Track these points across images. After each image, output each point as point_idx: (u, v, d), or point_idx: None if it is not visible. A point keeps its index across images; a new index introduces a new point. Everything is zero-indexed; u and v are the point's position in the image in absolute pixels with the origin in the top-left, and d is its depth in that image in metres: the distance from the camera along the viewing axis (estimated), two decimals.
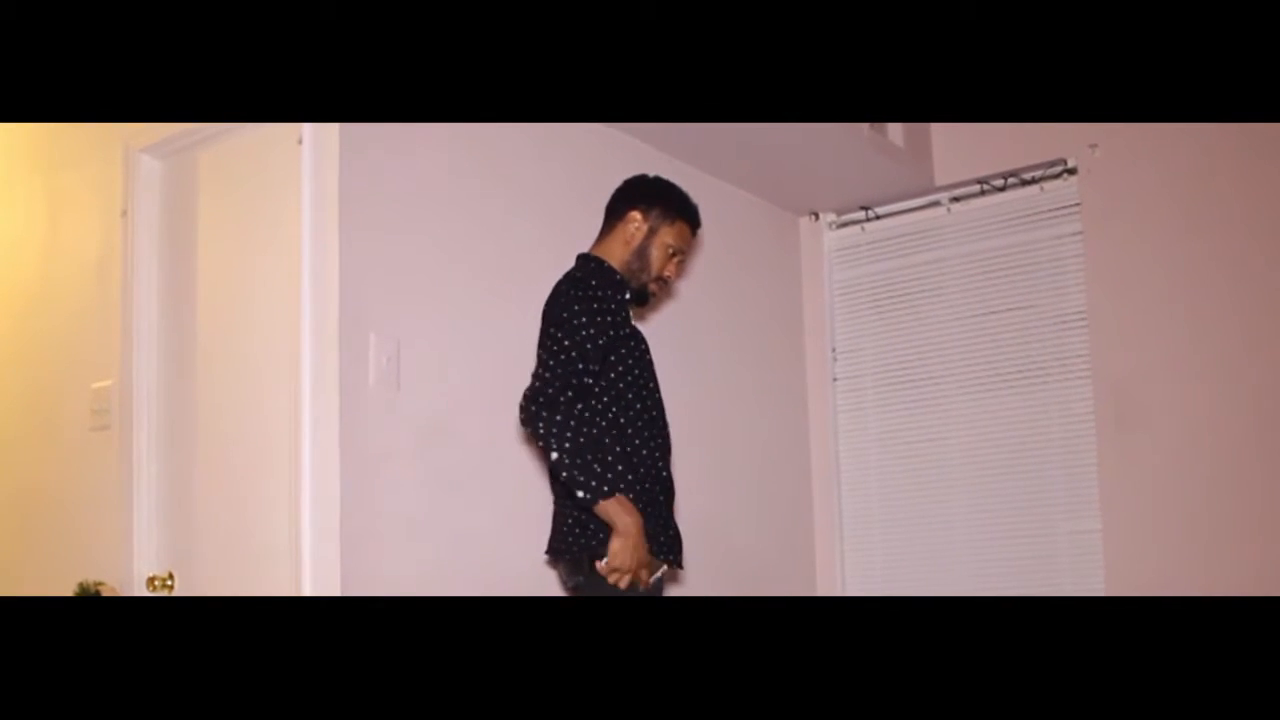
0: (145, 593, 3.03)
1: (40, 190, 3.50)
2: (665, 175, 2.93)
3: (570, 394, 2.55)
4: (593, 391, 2.62)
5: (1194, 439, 3.70)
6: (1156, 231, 3.82)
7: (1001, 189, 4.16)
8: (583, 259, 2.82)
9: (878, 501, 4.34)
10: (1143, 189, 3.85)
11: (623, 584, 2.58)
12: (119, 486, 3.10)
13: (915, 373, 4.29)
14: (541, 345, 2.66)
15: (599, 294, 2.68)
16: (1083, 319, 3.95)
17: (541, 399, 2.55)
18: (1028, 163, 4.06)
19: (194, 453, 3.05)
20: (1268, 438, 3.60)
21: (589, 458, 2.53)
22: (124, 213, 3.19)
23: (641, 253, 2.80)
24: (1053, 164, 4.04)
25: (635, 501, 2.59)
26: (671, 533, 2.73)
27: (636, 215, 2.81)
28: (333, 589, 2.70)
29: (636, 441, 2.68)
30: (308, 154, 2.85)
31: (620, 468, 2.60)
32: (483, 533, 3.05)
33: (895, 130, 4.06)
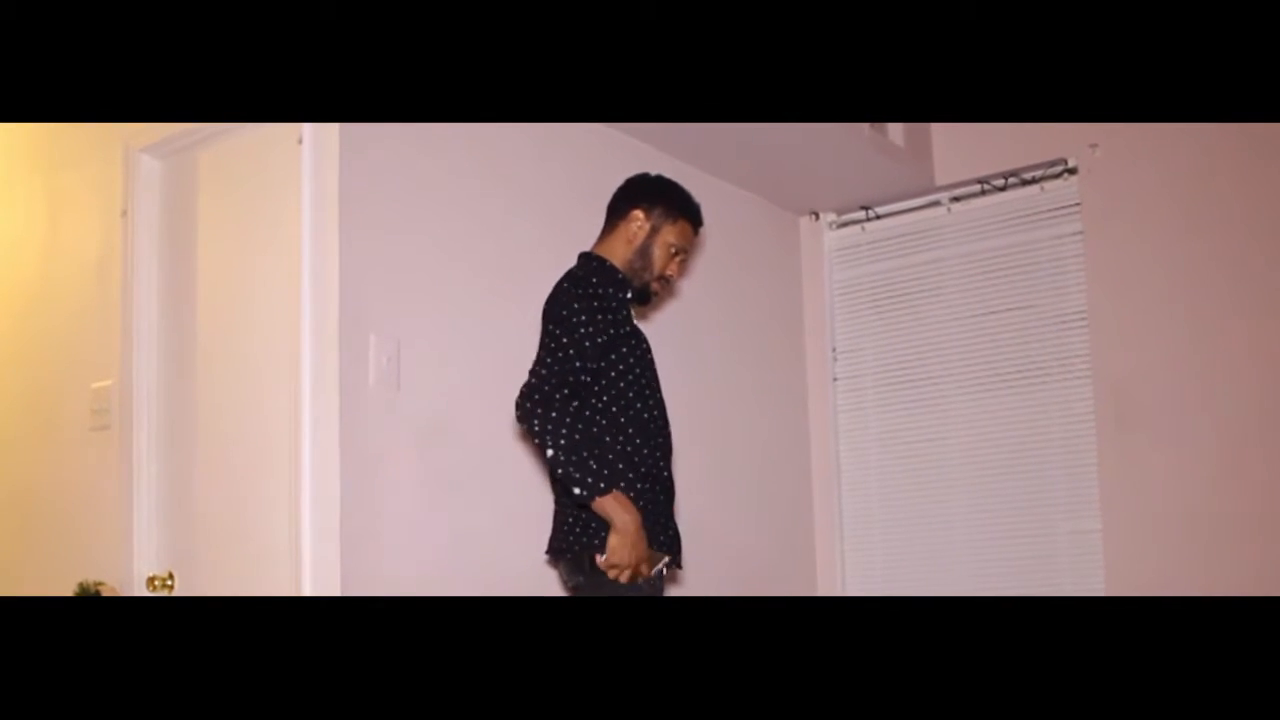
0: (145, 593, 3.03)
1: (40, 190, 3.50)
2: (666, 175, 2.93)
3: (566, 391, 2.55)
4: (590, 390, 2.62)
5: (1194, 439, 3.70)
6: (1157, 231, 3.82)
7: (1002, 189, 4.16)
8: (585, 258, 2.82)
9: (878, 501, 4.34)
10: (1143, 189, 3.85)
11: (623, 579, 2.58)
12: (119, 486, 3.10)
13: (915, 373, 4.29)
14: (541, 343, 2.66)
15: (600, 292, 2.68)
16: (1083, 319, 3.95)
17: (537, 395, 2.54)
18: (1028, 162, 4.06)
19: (194, 453, 3.05)
20: (1268, 438, 3.60)
21: (585, 454, 2.52)
22: (124, 213, 3.19)
23: (644, 252, 2.79)
24: (1053, 164, 4.04)
25: (635, 501, 2.59)
26: (671, 533, 2.72)
27: (639, 214, 2.80)
28: (333, 589, 2.70)
29: (637, 440, 2.67)
30: (308, 154, 2.86)
31: (620, 466, 2.60)
32: (483, 533, 3.05)
33: (895, 130, 4.06)
